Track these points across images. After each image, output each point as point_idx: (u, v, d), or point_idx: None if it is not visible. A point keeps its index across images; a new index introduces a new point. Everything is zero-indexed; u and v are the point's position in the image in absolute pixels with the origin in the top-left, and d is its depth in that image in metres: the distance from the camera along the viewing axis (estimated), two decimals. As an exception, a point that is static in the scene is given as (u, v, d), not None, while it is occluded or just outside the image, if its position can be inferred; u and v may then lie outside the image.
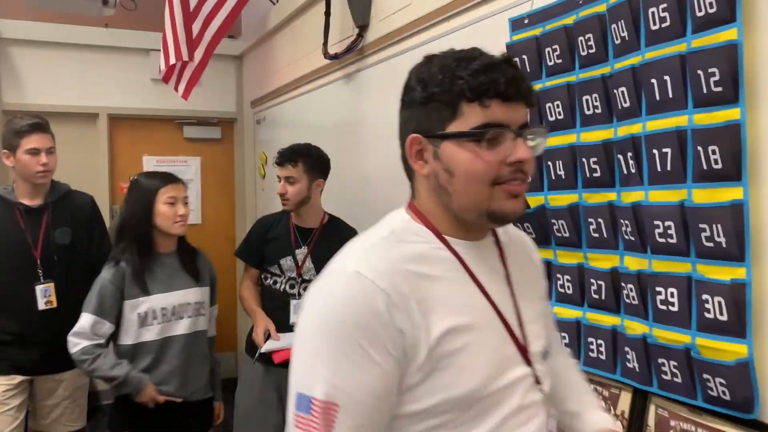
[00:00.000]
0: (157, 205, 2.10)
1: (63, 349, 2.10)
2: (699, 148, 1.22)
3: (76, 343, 2.03)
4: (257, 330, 2.35)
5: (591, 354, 1.59)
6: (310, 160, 2.41)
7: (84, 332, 2.03)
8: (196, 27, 3.59)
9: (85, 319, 2.03)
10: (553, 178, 1.68)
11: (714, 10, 1.20)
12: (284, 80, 3.88)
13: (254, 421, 2.43)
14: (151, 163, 4.59)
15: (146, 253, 2.12)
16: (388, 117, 2.57)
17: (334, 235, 2.42)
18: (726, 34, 1.18)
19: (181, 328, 2.15)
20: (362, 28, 2.79)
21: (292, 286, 2.39)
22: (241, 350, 4.86)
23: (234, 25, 3.92)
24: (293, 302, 2.37)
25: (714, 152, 1.19)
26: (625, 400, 1.50)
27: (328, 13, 3.05)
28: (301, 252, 2.41)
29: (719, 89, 1.19)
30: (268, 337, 2.34)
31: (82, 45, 4.31)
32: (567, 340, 1.65)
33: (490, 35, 1.92)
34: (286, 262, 2.41)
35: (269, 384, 2.40)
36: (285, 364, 2.21)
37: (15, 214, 2.37)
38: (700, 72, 1.22)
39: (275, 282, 2.44)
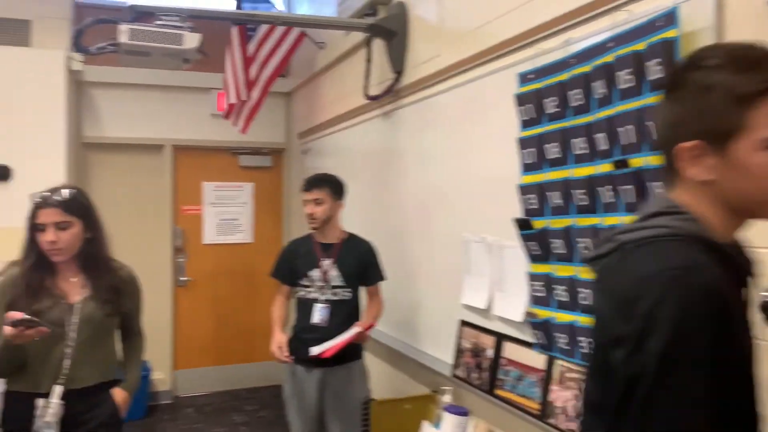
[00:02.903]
0: None
1: None
2: (653, 184, 1.58)
3: None
4: (272, 347, 2.78)
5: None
6: (333, 185, 2.89)
7: None
8: (253, 70, 4.07)
9: None
10: (552, 205, 2.03)
11: (660, 75, 1.56)
12: (328, 116, 4.33)
13: (301, 418, 2.83)
14: (209, 189, 5.12)
15: None
16: (420, 150, 2.99)
17: (353, 247, 2.88)
18: (671, 96, 1.54)
19: None
20: (398, 73, 3.20)
21: (322, 293, 2.80)
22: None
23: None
24: (316, 305, 2.80)
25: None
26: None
27: (369, 60, 3.48)
28: (326, 263, 2.83)
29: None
30: (297, 343, 2.79)
31: (150, 85, 4.87)
32: (566, 340, 1.99)
33: (502, 85, 2.31)
34: (314, 273, 2.83)
35: (309, 384, 2.79)
36: (326, 363, 2.68)
37: None
38: (651, 123, 1.57)
39: (307, 292, 2.86)
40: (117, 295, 2.12)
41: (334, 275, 2.81)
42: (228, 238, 5.20)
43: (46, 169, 3.96)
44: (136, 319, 2.29)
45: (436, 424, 2.42)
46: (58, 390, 1.99)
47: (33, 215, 2.00)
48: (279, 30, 4.02)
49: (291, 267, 2.92)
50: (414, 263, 3.03)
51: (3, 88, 4.02)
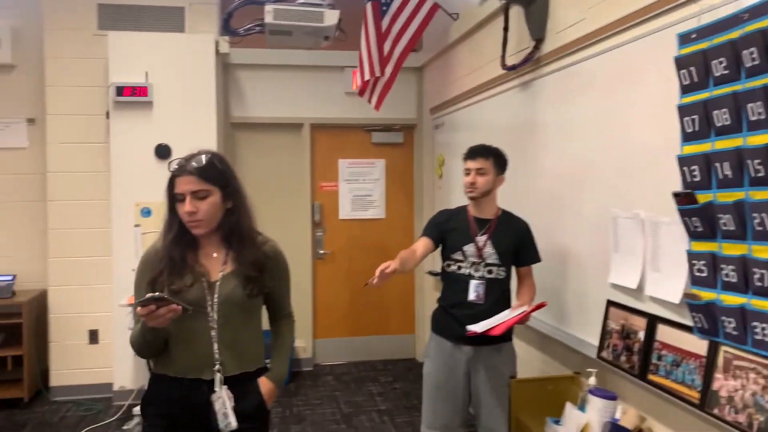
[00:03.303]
0: None
1: None
2: None
3: None
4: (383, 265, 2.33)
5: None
6: (498, 158, 2.76)
7: None
8: (387, 46, 4.09)
9: None
10: (720, 177, 1.85)
11: None
12: (462, 89, 4.25)
13: (443, 394, 2.74)
14: (344, 166, 5.26)
15: None
16: (562, 121, 2.85)
17: (509, 224, 2.76)
18: None
19: None
20: (539, 40, 3.06)
21: (476, 270, 2.73)
22: (419, 333, 5.35)
23: (417, 41, 4.35)
24: (472, 282, 2.70)
25: None
26: (784, 380, 1.65)
27: (506, 28, 3.35)
28: (482, 239, 2.74)
29: None
30: (447, 319, 2.71)
31: (289, 65, 5.06)
32: (734, 325, 1.82)
33: (658, 48, 2.12)
34: (469, 248, 2.74)
35: (458, 360, 2.72)
36: (477, 341, 2.59)
37: None
38: None
39: (459, 267, 2.75)
40: (260, 272, 1.89)
41: (490, 252, 2.71)
42: (362, 213, 5.33)
43: (200, 147, 4.26)
44: (284, 299, 2.06)
45: (581, 406, 2.32)
46: (218, 378, 1.83)
47: (171, 185, 1.83)
48: (412, 3, 3.99)
49: (442, 234, 2.77)
50: (556, 240, 2.91)
51: (162, 72, 4.37)
